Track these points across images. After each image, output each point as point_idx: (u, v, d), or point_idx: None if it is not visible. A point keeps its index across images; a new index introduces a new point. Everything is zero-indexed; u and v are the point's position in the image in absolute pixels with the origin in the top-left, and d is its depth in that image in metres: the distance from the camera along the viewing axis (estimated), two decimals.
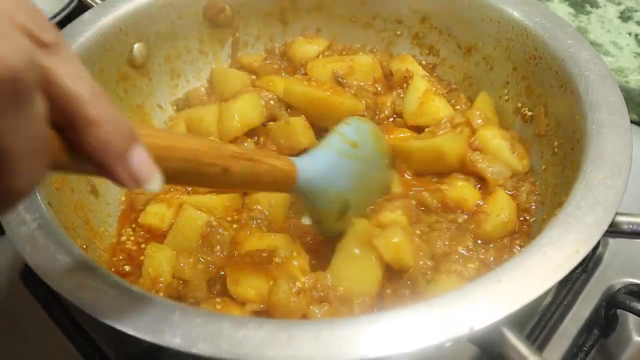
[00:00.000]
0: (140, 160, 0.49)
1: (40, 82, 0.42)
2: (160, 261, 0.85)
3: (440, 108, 1.02)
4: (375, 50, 1.21)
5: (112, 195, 0.99)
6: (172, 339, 0.56)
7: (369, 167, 0.91)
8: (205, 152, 0.62)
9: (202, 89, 1.16)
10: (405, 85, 1.08)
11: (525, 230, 0.90)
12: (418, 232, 0.85)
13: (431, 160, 0.97)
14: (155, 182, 0.51)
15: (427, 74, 1.11)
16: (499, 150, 0.96)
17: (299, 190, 0.79)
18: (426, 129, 1.01)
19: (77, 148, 0.46)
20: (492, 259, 0.84)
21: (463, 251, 0.84)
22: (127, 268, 0.90)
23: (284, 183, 0.77)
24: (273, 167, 0.73)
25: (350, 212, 0.86)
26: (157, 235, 0.94)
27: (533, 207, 0.91)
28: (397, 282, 0.80)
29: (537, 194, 0.92)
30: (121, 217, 0.99)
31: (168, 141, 0.58)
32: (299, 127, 1.01)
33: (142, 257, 0.90)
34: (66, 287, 0.61)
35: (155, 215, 0.94)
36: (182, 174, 0.61)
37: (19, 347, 0.92)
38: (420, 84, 1.06)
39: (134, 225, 0.96)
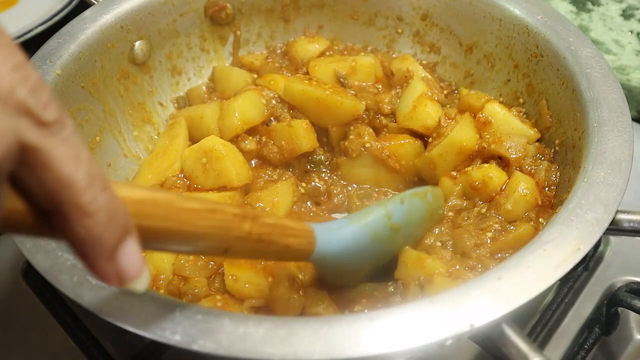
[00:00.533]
0: (131, 258, 0.45)
1: (21, 168, 0.39)
2: (160, 258, 0.85)
3: (430, 115, 1.00)
4: (376, 50, 1.21)
5: None
6: (172, 336, 0.56)
7: (407, 239, 0.82)
8: (211, 234, 0.56)
9: (203, 87, 1.16)
10: (405, 85, 1.08)
11: (551, 204, 0.86)
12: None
13: (453, 157, 0.95)
14: (142, 282, 0.47)
15: (428, 74, 1.11)
16: (509, 120, 0.93)
17: (313, 262, 0.75)
18: (429, 139, 1.00)
19: (62, 233, 0.42)
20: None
21: (489, 235, 0.82)
22: None
23: (294, 258, 0.72)
24: (286, 248, 0.65)
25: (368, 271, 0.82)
26: None
27: (554, 179, 0.88)
28: (385, 291, 0.81)
29: (555, 169, 0.88)
30: None
31: (167, 222, 0.50)
32: (301, 130, 1.01)
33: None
34: (67, 284, 0.62)
35: None
36: (177, 250, 0.59)
37: (21, 344, 0.93)
38: (418, 86, 1.05)
39: None
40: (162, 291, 0.82)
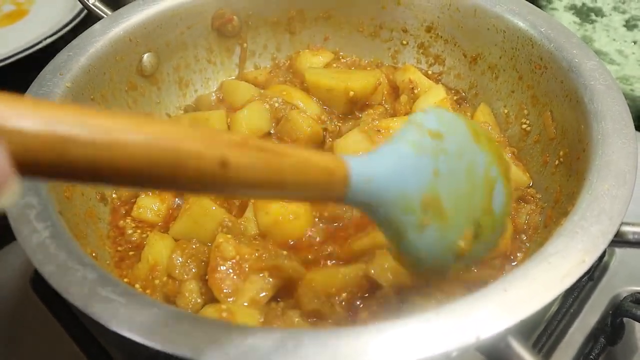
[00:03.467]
0: None
1: None
2: (158, 250, 0.86)
3: None
4: (379, 64, 1.21)
5: None
6: (180, 347, 0.57)
7: (471, 172, 0.66)
8: (188, 138, 0.44)
9: (213, 95, 1.17)
10: (414, 90, 1.09)
11: (519, 257, 0.86)
12: None
13: None
14: (8, 195, 0.36)
15: (433, 82, 1.12)
16: None
17: (355, 199, 0.58)
18: None
19: None
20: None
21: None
22: (131, 253, 0.91)
23: (325, 185, 0.54)
24: (305, 161, 0.52)
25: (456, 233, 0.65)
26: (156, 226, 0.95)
27: (530, 232, 0.88)
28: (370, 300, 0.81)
29: (541, 214, 0.89)
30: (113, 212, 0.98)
31: (113, 132, 0.39)
32: (297, 117, 1.02)
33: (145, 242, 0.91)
34: (76, 295, 0.62)
35: (149, 209, 0.95)
36: (142, 174, 0.42)
37: (29, 353, 0.93)
38: (440, 91, 1.06)
39: (128, 219, 0.96)
40: (157, 295, 0.83)
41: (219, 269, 0.79)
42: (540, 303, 0.61)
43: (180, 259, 0.84)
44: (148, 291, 0.83)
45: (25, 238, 0.68)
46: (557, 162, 0.91)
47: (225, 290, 0.78)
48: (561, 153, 0.91)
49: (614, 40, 1.37)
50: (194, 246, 0.86)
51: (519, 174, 0.95)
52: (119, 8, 1.06)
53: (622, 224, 0.69)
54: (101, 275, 0.65)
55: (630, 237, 0.70)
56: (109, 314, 0.60)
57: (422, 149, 0.62)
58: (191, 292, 0.82)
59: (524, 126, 1.02)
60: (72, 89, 0.91)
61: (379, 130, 0.98)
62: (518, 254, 0.87)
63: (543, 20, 1.00)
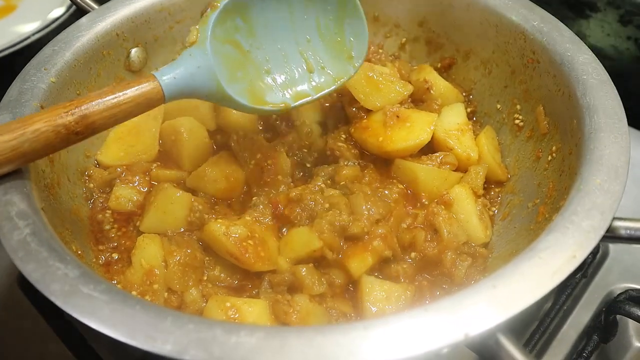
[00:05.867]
0: None
1: None
2: (153, 254, 0.85)
3: (472, 148, 0.99)
4: (395, 58, 1.19)
5: None
6: (164, 346, 0.56)
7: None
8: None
9: None
10: (430, 90, 1.06)
11: None
12: None
13: (406, 179, 0.97)
14: None
15: (448, 84, 1.08)
16: (468, 212, 0.92)
17: (172, 96, 0.78)
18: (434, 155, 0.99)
19: None
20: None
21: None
22: (115, 256, 0.90)
23: (147, 107, 0.77)
24: (136, 97, 0.74)
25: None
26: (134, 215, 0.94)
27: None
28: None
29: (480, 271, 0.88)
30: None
31: None
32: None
33: (126, 242, 0.91)
34: (58, 293, 0.61)
35: (127, 199, 0.94)
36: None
37: (17, 353, 0.92)
38: (463, 112, 1.03)
39: (109, 212, 0.94)
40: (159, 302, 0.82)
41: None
42: (531, 299, 0.60)
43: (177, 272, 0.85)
44: (147, 297, 0.82)
45: (5, 235, 0.67)
46: (549, 157, 0.90)
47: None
48: (553, 148, 0.90)
49: (609, 35, 1.36)
50: (188, 250, 0.86)
51: (477, 229, 0.91)
52: (106, 2, 1.05)
53: (614, 219, 0.68)
54: (83, 272, 0.63)
55: (623, 232, 0.69)
56: (91, 312, 0.59)
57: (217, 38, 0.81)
58: (194, 301, 0.83)
59: (516, 121, 1.01)
60: (57, 84, 0.90)
61: (397, 116, 0.98)
62: None
63: (536, 14, 0.99)
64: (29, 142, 0.68)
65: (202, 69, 0.79)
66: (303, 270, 0.83)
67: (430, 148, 0.99)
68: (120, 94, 0.74)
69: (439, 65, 1.16)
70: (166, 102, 0.78)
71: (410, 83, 1.07)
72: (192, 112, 1.02)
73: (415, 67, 1.15)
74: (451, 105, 1.05)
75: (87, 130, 0.72)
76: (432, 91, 1.06)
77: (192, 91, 0.80)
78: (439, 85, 1.07)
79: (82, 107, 0.71)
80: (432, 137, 0.99)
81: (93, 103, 0.72)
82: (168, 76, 0.77)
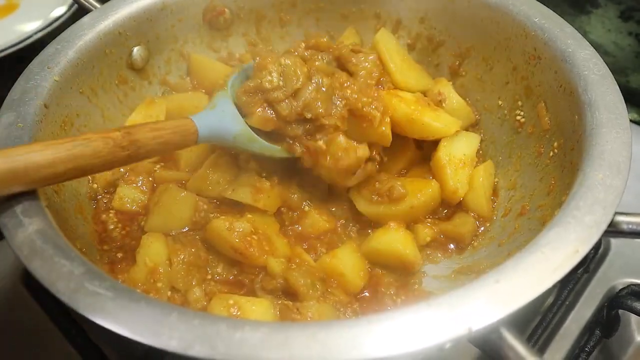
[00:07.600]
0: None
1: None
2: (157, 252, 0.85)
3: (458, 178, 0.98)
4: None
5: None
6: (169, 341, 0.56)
7: None
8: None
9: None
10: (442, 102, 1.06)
11: None
12: None
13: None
14: None
15: (460, 99, 1.07)
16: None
17: (203, 140, 0.87)
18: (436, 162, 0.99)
19: None
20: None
21: None
22: (119, 255, 0.90)
23: (184, 139, 0.84)
24: (173, 128, 0.82)
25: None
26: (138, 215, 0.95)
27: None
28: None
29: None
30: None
31: None
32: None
33: (130, 241, 0.91)
34: (64, 290, 0.61)
35: (131, 200, 0.95)
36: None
37: (21, 350, 0.93)
38: (474, 140, 1.03)
39: (112, 212, 0.95)
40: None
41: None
42: (533, 294, 0.60)
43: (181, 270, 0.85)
44: (151, 295, 0.82)
45: (11, 233, 0.67)
46: (551, 153, 0.91)
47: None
48: (555, 144, 0.90)
49: (609, 31, 1.36)
50: (193, 249, 0.86)
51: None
52: (107, 0, 1.05)
53: (616, 214, 0.68)
54: (89, 269, 0.64)
55: (625, 227, 0.69)
56: (96, 308, 0.59)
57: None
58: (197, 299, 0.83)
59: (518, 118, 1.02)
60: (60, 83, 0.90)
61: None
62: None
63: (537, 10, 0.99)
64: (81, 147, 0.71)
65: (226, 112, 0.89)
66: (295, 275, 0.84)
67: (425, 160, 1.01)
68: (160, 123, 0.84)
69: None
70: (199, 139, 0.86)
71: (425, 94, 1.06)
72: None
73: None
74: (469, 133, 1.04)
75: (132, 146, 0.76)
76: (444, 104, 1.05)
77: (220, 132, 0.89)
78: (452, 99, 1.06)
79: (128, 128, 0.78)
80: (434, 153, 0.99)
81: (137, 125, 0.80)
82: (197, 116, 0.87)
